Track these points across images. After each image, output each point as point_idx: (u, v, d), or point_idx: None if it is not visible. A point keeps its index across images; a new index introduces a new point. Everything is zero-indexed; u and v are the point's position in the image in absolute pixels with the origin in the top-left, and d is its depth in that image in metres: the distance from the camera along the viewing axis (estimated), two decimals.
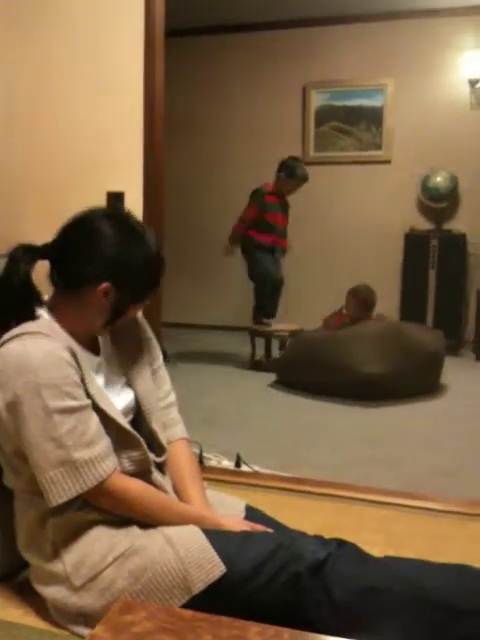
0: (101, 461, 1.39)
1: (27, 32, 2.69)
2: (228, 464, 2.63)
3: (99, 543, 1.43)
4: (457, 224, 5.54)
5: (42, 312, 1.50)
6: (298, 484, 2.39)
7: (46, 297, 1.54)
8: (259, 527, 1.54)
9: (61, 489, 1.38)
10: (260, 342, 4.91)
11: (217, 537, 1.42)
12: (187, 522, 1.47)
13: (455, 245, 5.36)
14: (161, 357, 1.76)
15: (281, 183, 4.80)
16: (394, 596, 1.33)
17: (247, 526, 1.53)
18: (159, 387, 1.70)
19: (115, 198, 2.53)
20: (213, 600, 1.33)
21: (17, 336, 1.41)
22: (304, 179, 4.83)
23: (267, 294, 4.89)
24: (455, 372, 4.48)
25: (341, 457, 3.05)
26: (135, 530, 1.46)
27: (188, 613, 0.89)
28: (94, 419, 1.42)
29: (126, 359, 1.62)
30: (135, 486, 1.46)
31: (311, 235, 5.93)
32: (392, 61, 5.62)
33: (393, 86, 5.63)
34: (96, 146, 2.63)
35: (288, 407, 3.94)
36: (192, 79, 6.05)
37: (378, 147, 5.74)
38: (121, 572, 1.40)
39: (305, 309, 5.18)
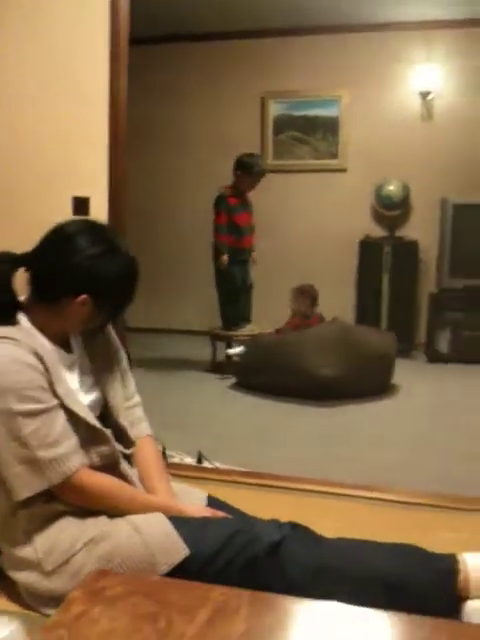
0: (66, 459, 1.47)
1: None
2: (190, 461, 2.72)
3: (69, 530, 1.51)
4: (409, 231, 5.73)
5: (19, 315, 1.57)
6: (257, 478, 2.50)
7: (22, 298, 1.61)
8: (220, 513, 1.63)
9: (25, 484, 1.45)
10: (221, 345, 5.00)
11: (180, 523, 1.52)
12: (152, 512, 1.56)
13: (407, 252, 5.55)
14: (126, 359, 1.85)
15: (239, 181, 4.85)
16: (344, 574, 1.45)
17: (209, 513, 1.62)
18: (125, 387, 1.79)
19: (81, 203, 2.60)
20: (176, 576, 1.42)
21: None
22: (261, 173, 4.87)
23: (233, 300, 4.93)
24: (406, 374, 4.64)
25: (297, 455, 3.17)
26: (103, 518, 1.54)
27: (157, 578, 0.98)
28: (60, 420, 1.49)
29: (94, 359, 1.70)
30: (102, 481, 1.54)
31: (268, 241, 6.05)
32: (347, 73, 5.79)
33: (348, 97, 5.80)
34: (62, 153, 2.69)
35: (247, 408, 4.05)
36: (150, 87, 6.12)
37: (334, 156, 5.91)
38: (90, 557, 1.47)
39: (262, 314, 5.28)
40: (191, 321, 6.18)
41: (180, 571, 1.44)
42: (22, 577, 1.55)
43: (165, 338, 6.06)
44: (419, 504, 2.36)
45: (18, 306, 1.57)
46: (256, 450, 3.23)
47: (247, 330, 4.90)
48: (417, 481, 2.77)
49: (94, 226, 1.60)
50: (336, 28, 5.70)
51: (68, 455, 1.48)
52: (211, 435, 3.39)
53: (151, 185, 6.27)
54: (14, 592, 1.62)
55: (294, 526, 1.53)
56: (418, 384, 4.64)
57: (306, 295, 4.75)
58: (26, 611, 1.59)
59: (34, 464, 1.44)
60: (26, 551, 1.52)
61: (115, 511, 1.55)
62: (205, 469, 2.63)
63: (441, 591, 1.43)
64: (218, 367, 4.91)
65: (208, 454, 2.79)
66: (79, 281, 1.51)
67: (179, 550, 1.46)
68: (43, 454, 1.45)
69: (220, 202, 4.86)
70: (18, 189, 2.74)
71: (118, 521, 1.53)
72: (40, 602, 1.53)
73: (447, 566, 1.46)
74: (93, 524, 1.51)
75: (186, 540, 1.48)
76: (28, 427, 1.44)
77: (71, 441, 1.50)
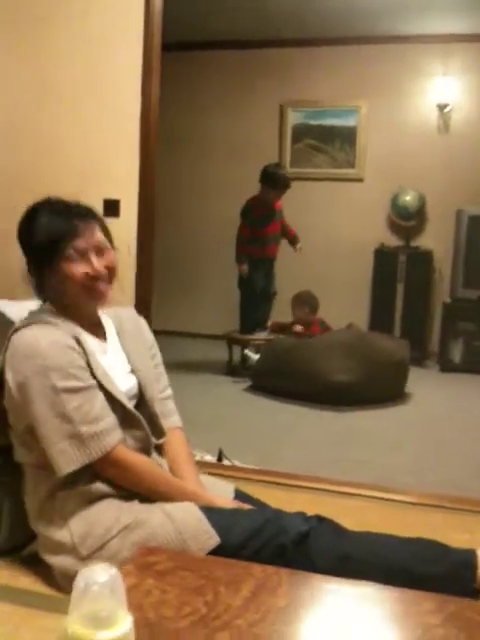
0: (106, 434, 1.56)
1: (28, 48, 2.84)
2: (211, 459, 2.79)
3: (104, 516, 1.59)
4: (424, 241, 5.80)
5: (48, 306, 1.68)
6: (276, 477, 2.57)
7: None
8: (247, 506, 1.71)
9: (69, 459, 1.53)
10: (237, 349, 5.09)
11: (211, 512, 1.59)
12: (183, 497, 1.64)
13: (422, 261, 5.62)
14: (159, 356, 1.94)
15: (264, 193, 4.95)
16: (367, 566, 1.52)
17: (237, 505, 1.70)
18: (158, 380, 1.88)
19: (112, 205, 2.70)
20: None
21: (27, 325, 1.60)
22: (286, 186, 4.95)
23: (251, 306, 5.02)
24: (420, 382, 4.71)
25: (312, 457, 3.24)
26: (137, 505, 1.62)
27: (202, 556, 1.06)
28: (99, 398, 1.59)
29: (130, 350, 1.79)
30: (138, 459, 1.63)
31: (284, 248, 6.13)
32: (366, 84, 5.88)
33: (366, 108, 5.89)
34: (95, 156, 2.79)
35: (262, 410, 4.12)
36: (171, 94, 6.22)
37: (351, 165, 5.99)
38: (125, 543, 1.55)
39: (279, 319, 5.36)
40: (209, 325, 6.26)
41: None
42: (57, 561, 1.63)
43: (182, 341, 6.14)
44: (432, 505, 2.43)
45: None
46: (272, 450, 3.31)
47: (263, 336, 4.97)
48: (430, 485, 2.84)
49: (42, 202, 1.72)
50: (356, 40, 5.79)
51: (108, 431, 1.56)
52: (228, 435, 3.46)
53: (171, 191, 6.37)
54: (49, 575, 1.70)
55: (320, 519, 1.60)
56: (431, 392, 4.70)
57: (303, 303, 4.86)
58: (61, 595, 1.67)
59: (77, 439, 1.53)
60: (62, 535, 1.60)
61: (146, 491, 1.63)
62: (225, 467, 2.71)
63: (460, 584, 1.50)
64: (234, 370, 4.99)
65: (226, 453, 2.87)
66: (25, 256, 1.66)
67: (211, 537, 1.53)
68: (85, 429, 1.53)
69: (245, 215, 4.94)
70: (52, 191, 2.84)
71: (152, 508, 1.60)
72: None
73: (466, 560, 1.54)
74: (128, 511, 1.59)
75: (216, 529, 1.55)
76: (71, 403, 1.53)
77: (110, 418, 1.59)
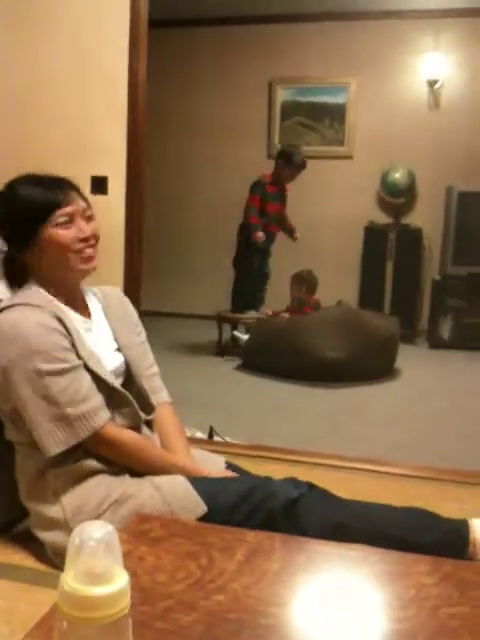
0: (94, 414, 1.55)
1: (15, 25, 2.79)
2: (201, 435, 2.80)
3: (95, 492, 1.58)
4: (414, 219, 5.80)
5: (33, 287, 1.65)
6: (268, 451, 2.58)
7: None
8: (236, 475, 1.71)
9: (56, 440, 1.53)
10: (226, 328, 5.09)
11: (198, 481, 1.60)
12: (174, 470, 1.64)
13: (412, 239, 5.62)
14: (144, 333, 1.93)
15: (279, 171, 4.92)
16: (358, 533, 1.52)
17: (226, 474, 1.71)
18: (145, 357, 1.87)
19: (99, 182, 2.67)
20: None
21: (8, 307, 1.57)
22: (302, 166, 4.92)
23: (245, 285, 5.01)
24: (409, 359, 4.73)
25: (304, 433, 3.25)
26: (127, 479, 1.62)
27: (195, 523, 1.06)
28: (85, 378, 1.57)
29: (116, 327, 1.78)
30: (128, 435, 1.62)
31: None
32: (355, 60, 5.83)
33: (356, 84, 5.85)
34: (82, 133, 2.76)
35: (254, 388, 4.13)
36: (158, 72, 6.15)
37: (340, 143, 5.96)
38: (115, 517, 1.55)
39: (269, 297, 5.36)
40: (198, 305, 6.25)
41: None
42: (49, 537, 1.63)
43: (172, 321, 6.13)
44: (423, 478, 2.45)
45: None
46: (264, 427, 3.32)
47: (253, 315, 4.97)
48: (420, 458, 2.86)
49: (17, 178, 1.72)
50: (345, 15, 5.73)
51: (95, 410, 1.56)
52: (220, 413, 3.47)
53: (158, 169, 6.32)
54: (41, 552, 1.70)
55: (311, 486, 1.61)
56: (420, 368, 4.73)
57: (301, 282, 4.86)
58: (53, 570, 1.68)
59: (63, 420, 1.52)
60: (54, 511, 1.60)
61: (140, 465, 1.63)
62: (217, 443, 2.72)
63: (452, 552, 1.51)
64: (224, 350, 4.99)
65: (218, 430, 2.87)
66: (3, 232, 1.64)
67: (198, 506, 1.53)
68: (71, 410, 1.52)
69: (256, 187, 4.90)
70: (38, 169, 2.80)
71: (142, 481, 1.60)
72: None
73: (458, 528, 1.55)
74: (118, 486, 1.59)
75: (204, 497, 1.55)
76: (56, 386, 1.52)
77: (97, 398, 1.58)
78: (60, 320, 1.57)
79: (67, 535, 1.56)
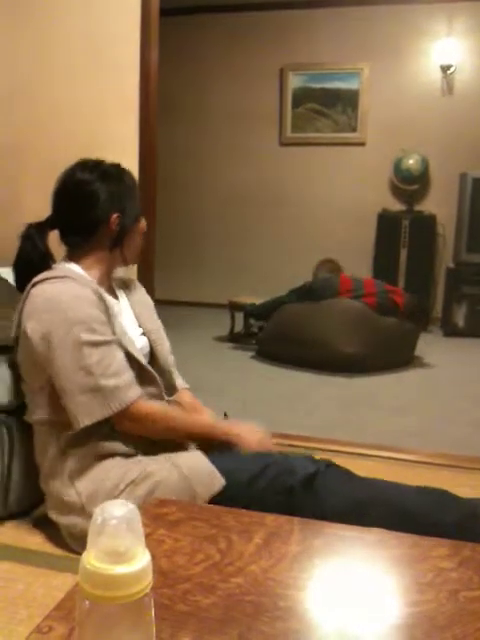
0: (127, 389, 1.57)
1: (26, 14, 2.79)
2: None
3: (112, 474, 1.60)
4: (427, 205, 5.76)
5: (70, 265, 1.69)
6: (283, 438, 2.58)
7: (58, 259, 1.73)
8: (267, 440, 1.72)
9: (89, 411, 1.54)
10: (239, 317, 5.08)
11: (216, 458, 1.62)
12: (200, 428, 1.67)
13: (425, 226, 5.58)
14: (160, 323, 1.96)
15: None
16: (376, 510, 1.53)
17: (255, 431, 1.71)
18: (165, 342, 1.90)
19: None
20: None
21: (48, 279, 1.60)
22: None
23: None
24: (424, 347, 4.70)
25: (318, 421, 3.25)
26: (144, 460, 1.63)
27: (213, 506, 1.06)
28: (119, 353, 1.60)
29: (139, 313, 1.83)
30: (156, 408, 1.65)
31: (287, 213, 6.10)
32: (368, 46, 5.78)
33: (368, 70, 5.80)
34: (94, 122, 2.75)
35: (269, 376, 4.13)
36: (170, 58, 6.14)
37: (353, 129, 5.92)
38: (132, 497, 1.56)
39: (283, 286, 5.35)
40: (209, 293, 6.25)
41: (217, 500, 1.53)
42: (65, 521, 1.64)
43: (184, 310, 6.14)
44: (438, 464, 2.45)
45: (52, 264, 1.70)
46: (279, 415, 3.32)
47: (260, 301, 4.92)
48: (435, 444, 2.85)
49: (78, 163, 1.76)
50: (358, 0, 5.68)
51: (128, 385, 1.58)
52: (235, 401, 3.47)
53: (169, 156, 6.32)
54: (58, 537, 1.73)
55: (329, 464, 1.61)
56: (435, 357, 4.70)
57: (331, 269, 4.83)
58: (70, 555, 1.69)
59: (98, 392, 1.54)
60: (70, 495, 1.61)
61: (167, 431, 1.65)
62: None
63: (469, 532, 1.51)
64: (237, 338, 4.98)
65: (234, 418, 2.87)
66: (106, 205, 1.67)
67: (217, 480, 1.55)
68: (105, 382, 1.54)
69: None
70: (50, 157, 2.81)
71: (158, 459, 1.62)
72: (83, 545, 1.62)
73: (475, 508, 1.54)
74: (134, 466, 1.60)
75: (222, 471, 1.57)
76: (93, 357, 1.54)
77: (130, 373, 1.61)
78: (98, 295, 1.61)
79: (83, 519, 1.60)
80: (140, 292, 1.92)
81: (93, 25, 2.74)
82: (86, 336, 1.54)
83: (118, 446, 1.62)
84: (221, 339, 5.07)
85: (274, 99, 6.09)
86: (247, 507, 1.53)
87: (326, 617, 0.85)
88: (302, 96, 6.02)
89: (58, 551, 1.72)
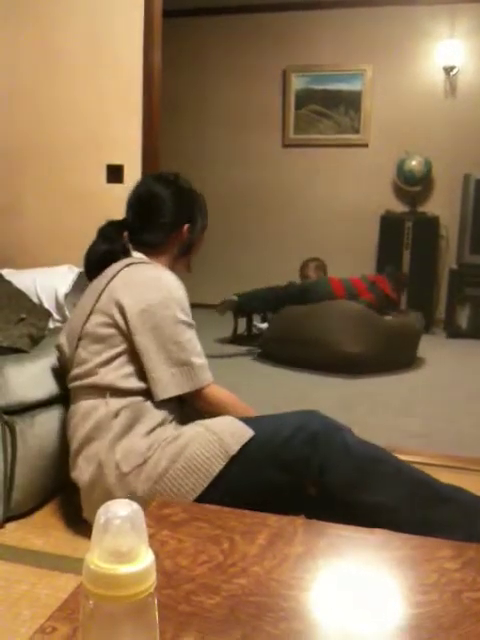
0: (208, 369, 1.72)
1: (29, 16, 2.79)
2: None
3: (146, 438, 1.66)
4: (431, 207, 5.75)
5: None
6: None
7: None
8: None
9: (177, 384, 1.67)
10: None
11: (246, 419, 1.70)
12: None
13: (429, 227, 5.57)
14: None
15: None
16: (397, 470, 1.58)
17: None
18: None
19: (115, 171, 2.67)
20: (246, 461, 1.59)
21: (141, 262, 1.78)
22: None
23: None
24: (427, 348, 4.70)
25: None
26: (174, 425, 1.72)
27: (216, 507, 1.06)
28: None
29: None
30: (228, 395, 1.78)
31: (289, 216, 6.10)
32: (371, 47, 5.78)
33: (371, 72, 5.80)
34: (98, 122, 2.76)
35: (272, 377, 4.13)
36: (173, 60, 6.15)
37: (356, 131, 5.92)
38: (164, 454, 1.63)
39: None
40: (211, 294, 6.25)
41: (246, 451, 1.60)
42: (93, 476, 1.66)
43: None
44: (441, 466, 2.45)
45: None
46: None
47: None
48: (438, 446, 2.85)
49: (154, 176, 1.95)
50: (360, 2, 5.68)
51: (208, 367, 1.73)
52: None
53: (172, 158, 6.32)
54: (61, 537, 1.74)
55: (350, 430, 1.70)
56: (438, 358, 4.70)
57: (319, 267, 4.86)
58: (74, 555, 1.69)
59: (188, 366, 1.68)
60: (109, 455, 1.66)
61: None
62: None
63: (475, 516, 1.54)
64: (239, 339, 4.98)
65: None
66: (179, 216, 1.86)
67: (245, 431, 1.63)
68: (196, 360, 1.69)
69: None
70: (56, 156, 2.81)
71: (188, 426, 1.70)
72: (99, 505, 1.63)
73: None
74: (165, 431, 1.68)
75: (250, 424, 1.66)
76: (186, 334, 1.70)
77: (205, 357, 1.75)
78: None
79: (116, 480, 1.62)
80: None
81: (96, 27, 2.74)
82: (183, 316, 1.71)
83: (160, 412, 1.69)
84: (223, 340, 5.07)
85: (277, 100, 6.10)
86: (273, 457, 1.58)
87: (330, 618, 0.84)
88: (305, 97, 6.02)
89: (61, 552, 1.72)
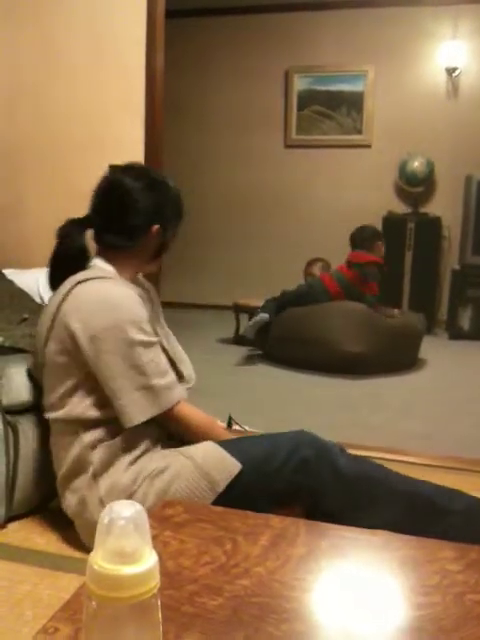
0: (174, 387, 1.62)
1: (31, 16, 2.79)
2: (221, 424, 2.80)
3: (129, 471, 1.61)
4: (433, 208, 5.75)
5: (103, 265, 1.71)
6: None
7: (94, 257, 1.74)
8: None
9: (141, 410, 1.57)
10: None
11: (232, 441, 1.64)
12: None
13: (431, 228, 5.57)
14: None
15: None
16: (391, 488, 1.55)
17: None
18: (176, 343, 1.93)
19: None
20: (235, 494, 1.53)
21: (91, 279, 1.61)
22: None
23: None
24: (430, 349, 4.70)
25: (322, 422, 3.24)
26: (155, 455, 1.64)
27: (220, 508, 1.06)
28: (163, 354, 1.65)
29: (153, 317, 1.83)
30: (199, 414, 1.68)
31: (291, 216, 6.10)
32: (373, 48, 5.78)
33: (373, 72, 5.79)
34: (100, 124, 2.76)
35: (273, 378, 4.13)
36: (175, 61, 6.14)
37: (358, 131, 5.92)
38: (152, 488, 1.58)
39: (287, 288, 5.34)
40: (213, 295, 6.25)
41: (236, 483, 1.55)
42: (85, 518, 1.64)
43: (189, 312, 6.14)
44: (443, 467, 2.45)
45: (88, 262, 1.71)
46: (283, 416, 3.31)
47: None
48: (440, 447, 2.85)
49: (129, 165, 1.77)
50: (363, 3, 5.68)
51: (175, 385, 1.63)
52: (239, 402, 3.47)
53: (174, 158, 6.32)
54: (64, 537, 1.75)
55: (342, 448, 1.65)
56: (441, 359, 4.69)
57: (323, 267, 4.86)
58: (76, 555, 1.69)
59: (150, 390, 1.57)
60: (92, 492, 1.62)
61: (197, 439, 1.67)
62: (236, 432, 2.71)
63: (475, 521, 1.52)
64: (242, 339, 4.98)
65: (237, 420, 2.87)
66: (150, 215, 1.68)
67: (233, 465, 1.56)
68: (157, 381, 1.58)
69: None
70: (58, 156, 2.82)
71: (172, 453, 1.63)
72: None
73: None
74: (149, 463, 1.62)
75: (237, 450, 1.59)
76: (145, 356, 1.57)
77: (173, 373, 1.65)
78: (140, 296, 1.65)
79: (100, 515, 1.60)
80: (154, 293, 1.94)
81: (98, 27, 2.74)
82: (139, 336, 1.56)
83: (139, 440, 1.63)
84: (225, 341, 5.07)
85: (279, 101, 6.10)
86: (264, 487, 1.55)
87: (332, 619, 0.84)
88: (307, 98, 6.02)
89: (64, 552, 1.72)
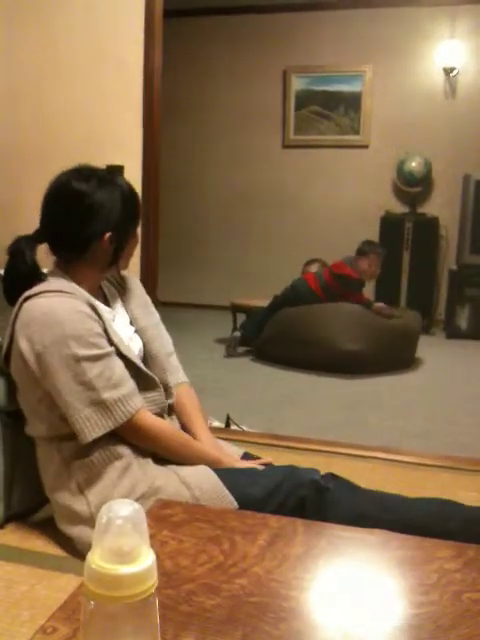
0: (129, 399, 1.55)
1: (30, 15, 2.79)
2: (219, 425, 2.80)
3: (121, 485, 1.58)
4: (430, 208, 5.75)
5: (60, 278, 1.64)
6: (286, 440, 2.58)
7: (46, 270, 1.68)
8: (261, 466, 1.71)
9: (94, 426, 1.53)
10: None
11: (229, 474, 1.60)
12: (204, 462, 1.63)
13: (428, 228, 5.58)
14: (157, 315, 1.93)
15: None
16: (381, 522, 1.52)
17: (256, 465, 1.70)
18: (161, 338, 1.87)
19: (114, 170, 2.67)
20: None
21: (40, 294, 1.56)
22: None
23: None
24: (427, 349, 4.70)
25: (319, 422, 3.25)
26: (152, 470, 1.60)
27: (217, 508, 1.06)
28: (119, 364, 1.58)
29: (133, 311, 1.80)
30: (161, 423, 1.63)
31: (289, 216, 6.10)
32: (371, 48, 5.78)
33: (371, 73, 5.80)
34: (98, 122, 2.75)
35: (270, 378, 4.13)
36: (173, 60, 6.14)
37: (356, 132, 5.92)
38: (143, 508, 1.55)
39: (281, 288, 5.34)
40: (211, 295, 6.25)
41: None
42: (76, 532, 1.62)
43: (187, 312, 6.14)
44: (441, 466, 2.44)
45: (41, 277, 1.65)
46: (280, 416, 3.32)
47: (262, 302, 4.90)
48: (438, 447, 2.85)
49: (73, 171, 1.66)
50: (360, 3, 5.69)
51: (131, 395, 1.56)
52: (236, 402, 3.47)
53: (172, 158, 6.32)
54: (61, 538, 1.72)
55: (334, 476, 1.60)
56: (438, 358, 4.70)
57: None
58: (73, 557, 1.69)
59: (101, 405, 1.52)
60: (79, 506, 1.59)
61: (168, 454, 1.63)
62: (234, 432, 2.72)
63: (475, 540, 1.50)
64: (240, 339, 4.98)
65: (235, 419, 2.87)
66: (100, 222, 1.59)
67: (229, 503, 1.52)
68: (108, 395, 1.52)
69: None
70: (56, 156, 2.81)
71: (167, 473, 1.60)
72: None
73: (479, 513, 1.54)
74: (143, 479, 1.58)
75: (235, 489, 1.55)
76: (93, 371, 1.52)
77: (130, 383, 1.59)
78: (92, 307, 1.58)
79: (93, 530, 1.59)
80: (134, 287, 1.87)
81: (97, 27, 2.74)
82: (83, 351, 1.51)
83: (121, 451, 1.60)
84: (223, 341, 5.06)
85: (277, 101, 6.10)
86: None
87: (330, 618, 0.84)
88: (305, 98, 6.02)
89: (61, 552, 1.71)
